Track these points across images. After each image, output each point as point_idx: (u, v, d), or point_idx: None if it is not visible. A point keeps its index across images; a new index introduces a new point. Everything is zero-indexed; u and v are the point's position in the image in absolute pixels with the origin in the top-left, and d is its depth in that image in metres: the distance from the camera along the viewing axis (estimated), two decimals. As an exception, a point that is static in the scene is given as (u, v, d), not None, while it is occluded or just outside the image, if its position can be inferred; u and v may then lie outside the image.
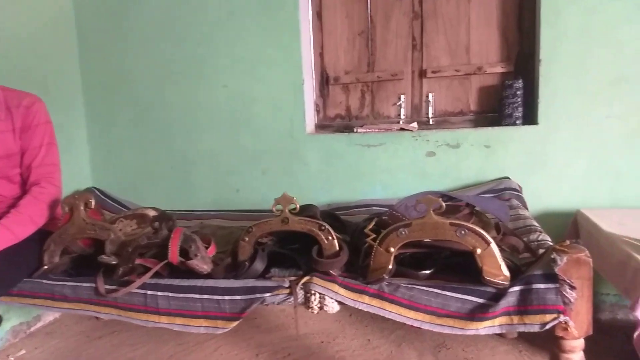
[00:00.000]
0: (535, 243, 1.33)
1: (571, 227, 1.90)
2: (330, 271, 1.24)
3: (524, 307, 1.09)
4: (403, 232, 1.21)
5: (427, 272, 1.25)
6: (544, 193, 2.00)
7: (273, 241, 1.39)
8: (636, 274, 1.34)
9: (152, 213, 1.57)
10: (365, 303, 1.18)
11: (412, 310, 1.16)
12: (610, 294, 1.97)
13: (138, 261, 1.36)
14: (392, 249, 1.22)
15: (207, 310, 1.28)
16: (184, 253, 1.33)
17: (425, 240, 1.20)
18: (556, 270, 1.07)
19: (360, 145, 2.18)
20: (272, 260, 1.35)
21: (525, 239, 1.39)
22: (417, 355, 1.86)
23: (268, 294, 1.23)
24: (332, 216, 1.56)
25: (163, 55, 2.37)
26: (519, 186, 1.95)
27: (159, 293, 1.31)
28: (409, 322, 1.15)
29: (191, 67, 2.34)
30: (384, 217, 1.33)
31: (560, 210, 1.99)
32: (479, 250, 1.14)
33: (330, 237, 1.27)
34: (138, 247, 1.37)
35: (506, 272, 1.13)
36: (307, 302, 1.22)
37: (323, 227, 1.27)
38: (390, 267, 1.22)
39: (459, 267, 1.23)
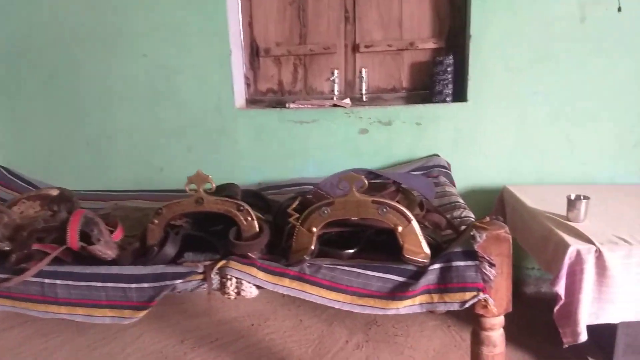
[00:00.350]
0: (458, 220, 1.32)
1: (497, 203, 1.92)
2: (249, 254, 1.16)
3: (444, 285, 1.07)
4: (325, 212, 1.15)
5: (351, 251, 1.20)
6: (472, 170, 2.01)
7: (189, 223, 1.29)
8: (557, 248, 1.36)
9: (54, 193, 1.41)
10: (285, 286, 1.12)
11: (334, 291, 1.11)
12: (534, 268, 2.03)
13: (35, 246, 1.22)
14: (314, 229, 1.16)
15: (112, 300, 1.17)
16: (86, 237, 1.20)
17: (349, 219, 1.15)
18: (475, 247, 1.05)
19: (292, 121, 2.09)
20: (187, 244, 1.25)
21: (448, 216, 1.37)
22: (348, 333, 1.84)
23: (179, 281, 1.14)
24: (257, 195, 1.47)
25: (73, 19, 2.15)
26: (448, 163, 1.95)
27: (58, 281, 1.18)
28: (330, 304, 1.10)
29: (105, 33, 2.14)
30: (308, 196, 1.26)
31: (487, 186, 2.01)
32: (400, 228, 1.11)
33: (249, 218, 1.19)
34: (34, 231, 1.23)
35: (427, 250, 1.10)
36: (223, 288, 1.14)
37: (242, 208, 1.18)
38: (313, 247, 1.16)
39: (383, 246, 1.19)
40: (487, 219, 1.09)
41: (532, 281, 2.06)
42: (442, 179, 1.81)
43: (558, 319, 1.33)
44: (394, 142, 2.04)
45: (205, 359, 1.72)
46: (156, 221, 1.21)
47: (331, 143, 2.08)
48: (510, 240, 1.06)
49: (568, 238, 1.34)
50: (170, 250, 1.20)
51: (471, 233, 1.06)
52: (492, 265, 1.04)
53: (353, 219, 1.14)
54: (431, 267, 1.08)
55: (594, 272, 1.29)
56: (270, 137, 2.11)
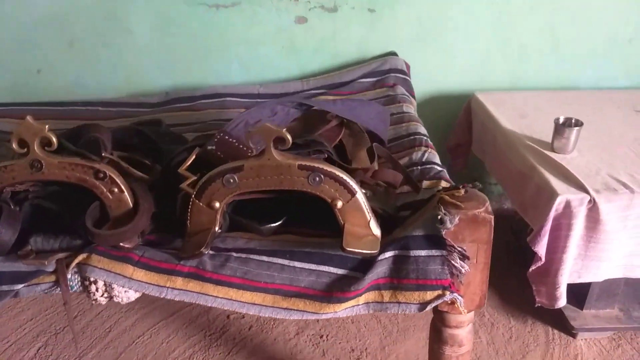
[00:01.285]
0: (418, 168, 0.98)
1: (463, 114, 1.58)
2: (121, 244, 0.80)
3: (397, 280, 0.77)
4: (232, 180, 0.77)
5: (274, 225, 0.86)
6: (435, 72, 1.63)
7: (39, 187, 0.88)
8: (539, 193, 1.08)
9: None
10: (178, 289, 0.78)
11: (248, 291, 0.79)
12: (498, 184, 1.78)
13: None
14: (217, 204, 0.79)
15: None
16: None
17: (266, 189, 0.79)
18: (443, 233, 0.74)
19: (205, 5, 1.57)
20: (35, 222, 0.86)
21: (406, 159, 1.03)
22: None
23: (20, 285, 0.78)
24: (139, 134, 1.04)
25: None
26: (407, 65, 1.55)
27: None
28: (244, 309, 0.78)
29: None
30: (209, 147, 0.87)
31: (453, 93, 1.65)
32: (339, 203, 0.76)
33: (115, 190, 0.80)
34: None
35: (376, 231, 0.78)
36: (86, 292, 0.79)
37: (102, 174, 0.78)
38: (217, 228, 0.81)
39: (318, 212, 0.85)
40: (462, 189, 0.75)
41: (495, 197, 1.83)
42: (400, 90, 1.42)
43: (533, 276, 1.09)
44: (340, 35, 1.59)
45: None
46: (-22, 193, 0.80)
47: (259, 36, 1.61)
48: (492, 222, 0.74)
49: (555, 182, 1.04)
50: (5, 234, 0.81)
51: (438, 214, 0.74)
52: (464, 257, 0.74)
53: (272, 187, 0.78)
54: (381, 257, 0.76)
55: (583, 227, 1.03)
56: (177, 28, 1.60)
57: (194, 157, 0.86)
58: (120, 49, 1.62)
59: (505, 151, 1.26)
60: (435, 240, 0.74)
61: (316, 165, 0.75)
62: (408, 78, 1.51)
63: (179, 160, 0.87)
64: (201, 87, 1.62)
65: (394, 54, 1.57)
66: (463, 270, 0.74)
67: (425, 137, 1.10)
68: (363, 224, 0.77)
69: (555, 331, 1.32)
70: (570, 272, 1.06)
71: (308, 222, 0.90)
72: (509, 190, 1.26)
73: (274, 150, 0.75)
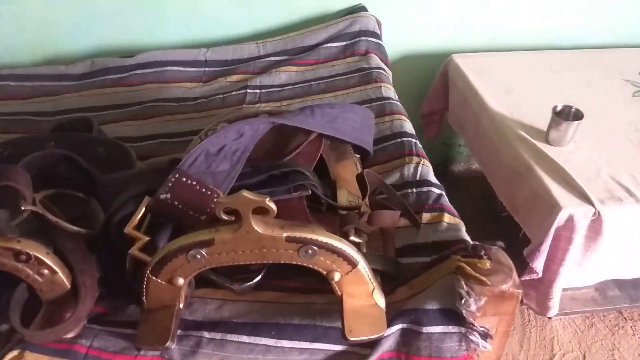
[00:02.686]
0: (414, 192, 0.83)
1: (439, 78, 1.42)
2: (63, 336, 0.62)
3: (406, 356, 0.66)
4: (198, 257, 0.60)
5: (250, 284, 0.71)
6: (408, 28, 1.43)
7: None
8: (537, 199, 0.98)
9: None
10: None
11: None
12: (462, 145, 1.68)
13: None
14: (180, 281, 0.63)
15: None
16: None
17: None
18: (464, 312, 0.62)
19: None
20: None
21: (397, 176, 0.88)
22: None
23: None
24: (65, 160, 0.79)
25: None
26: (379, 23, 1.34)
27: None
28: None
29: None
30: (161, 196, 0.67)
31: (428, 52, 1.47)
32: (336, 276, 0.62)
33: (46, 271, 0.60)
34: None
35: (380, 302, 0.65)
36: (23, 395, 0.63)
37: (24, 257, 0.59)
38: (181, 305, 0.66)
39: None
40: (486, 260, 0.63)
41: (463, 159, 1.74)
42: (374, 60, 1.23)
43: (525, 284, 1.03)
44: (299, -16, 1.33)
45: None
46: None
47: (201, -16, 1.32)
48: (520, 297, 0.63)
49: (557, 192, 0.94)
50: None
51: (459, 292, 0.61)
52: (487, 336, 0.63)
53: (253, 262, 0.62)
54: (388, 332, 0.64)
55: (583, 237, 0.95)
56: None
57: (142, 211, 0.67)
58: (25, 1, 1.28)
59: (494, 140, 1.14)
60: (453, 316, 0.63)
61: (308, 236, 0.59)
62: (381, 42, 1.31)
63: (124, 216, 0.67)
64: (133, 49, 1.33)
65: (363, 8, 1.35)
66: (484, 349, 0.64)
67: (414, 141, 0.94)
68: (365, 294, 0.64)
69: (531, 313, 1.31)
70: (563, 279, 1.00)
71: (290, 270, 0.76)
72: (495, 181, 1.16)
73: (254, 220, 0.58)
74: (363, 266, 0.63)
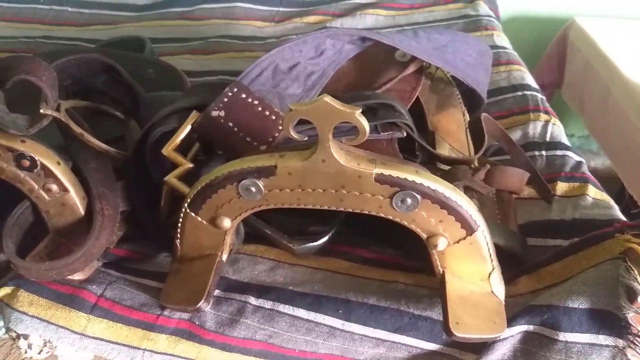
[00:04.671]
0: (543, 155, 0.62)
1: (555, 46, 1.18)
2: (65, 277, 0.48)
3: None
4: (253, 189, 0.43)
5: (314, 244, 0.53)
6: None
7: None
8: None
9: None
10: (160, 353, 0.47)
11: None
12: (575, 135, 1.42)
13: None
14: (226, 222, 0.46)
15: None
16: None
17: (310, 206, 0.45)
18: (628, 315, 0.42)
19: None
20: None
21: (518, 135, 0.67)
22: None
23: None
24: (107, 70, 0.64)
25: None
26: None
27: None
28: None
29: None
30: (213, 112, 0.51)
31: (541, 15, 1.23)
32: (441, 243, 0.43)
33: (54, 186, 0.46)
34: None
35: (499, 290, 0.46)
36: (14, 344, 0.49)
37: (28, 162, 0.44)
38: (225, 255, 0.49)
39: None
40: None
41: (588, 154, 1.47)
42: (483, 8, 1.01)
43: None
44: None
45: None
46: None
47: None
48: None
49: None
50: None
51: (626, 282, 0.41)
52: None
53: (326, 207, 0.44)
54: (505, 334, 0.45)
55: None
56: None
57: (188, 129, 0.51)
58: None
59: (629, 114, 0.90)
60: (609, 322, 0.43)
61: (410, 178, 0.40)
62: (490, -8, 1.09)
63: (164, 132, 0.52)
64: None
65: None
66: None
67: (540, 96, 0.72)
68: (478, 276, 0.45)
69: None
70: None
71: (366, 234, 0.58)
72: (626, 169, 0.92)
73: (335, 146, 0.40)
74: (484, 234, 0.43)
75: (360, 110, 0.38)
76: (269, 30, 1.06)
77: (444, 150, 0.61)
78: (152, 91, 0.69)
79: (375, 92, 0.59)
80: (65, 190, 0.46)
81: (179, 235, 0.49)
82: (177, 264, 0.51)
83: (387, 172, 0.40)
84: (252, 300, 0.49)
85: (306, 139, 0.41)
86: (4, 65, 0.53)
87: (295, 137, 0.41)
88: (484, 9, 1.01)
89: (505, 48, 0.86)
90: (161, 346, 0.47)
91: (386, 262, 0.55)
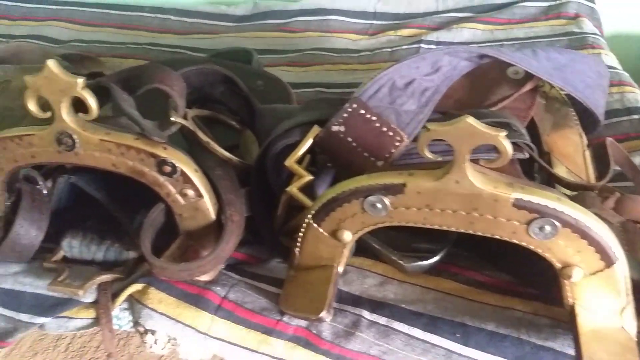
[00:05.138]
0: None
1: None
2: (195, 277, 0.50)
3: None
4: (379, 206, 0.44)
5: (426, 263, 0.53)
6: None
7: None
8: None
9: None
10: (277, 358, 0.49)
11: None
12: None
13: None
14: (346, 235, 0.47)
15: None
16: None
17: (437, 226, 0.45)
18: None
19: None
20: (74, 211, 0.59)
21: (638, 161, 0.64)
22: None
23: (44, 319, 0.52)
24: (225, 81, 0.68)
25: None
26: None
27: None
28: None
29: None
30: (334, 127, 0.52)
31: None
32: (577, 274, 0.42)
33: (191, 192, 0.48)
34: None
35: (631, 327, 0.43)
36: (140, 338, 0.52)
37: (169, 168, 0.47)
38: (341, 268, 0.50)
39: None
40: None
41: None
42: (587, 25, 0.97)
43: None
44: None
45: None
46: (-15, 171, 0.52)
47: None
48: None
49: None
50: (26, 236, 0.54)
51: None
52: None
53: (453, 229, 0.44)
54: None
55: None
56: None
57: (309, 142, 0.53)
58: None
59: None
60: None
61: (550, 205, 0.39)
62: (594, 6, 1.04)
63: (285, 146, 0.53)
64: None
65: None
66: None
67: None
68: (611, 310, 0.43)
69: None
70: None
71: (477, 255, 0.57)
72: None
73: (471, 168, 0.40)
74: (622, 267, 0.41)
75: (505, 133, 0.37)
76: (363, 43, 1.07)
77: (560, 173, 0.59)
78: (261, 102, 0.71)
79: (494, 111, 0.58)
80: (200, 195, 0.48)
81: (299, 244, 0.50)
82: (293, 272, 0.52)
83: (526, 197, 0.40)
84: (366, 314, 0.49)
85: (440, 159, 0.41)
86: (136, 74, 0.58)
87: (430, 157, 0.41)
88: (588, 26, 0.97)
89: (615, 68, 0.82)
90: (278, 351, 0.49)
91: (500, 287, 0.54)
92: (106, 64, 0.99)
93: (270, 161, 0.55)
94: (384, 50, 1.02)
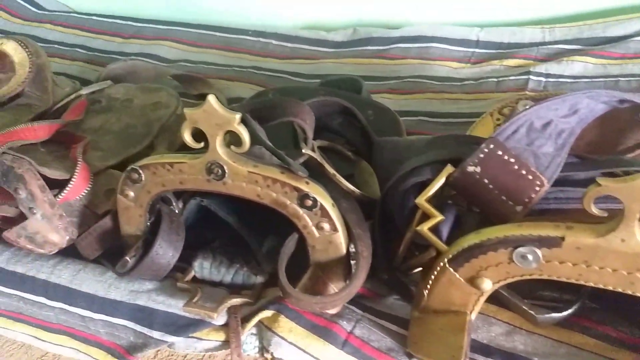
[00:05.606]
0: None
1: None
2: (325, 310, 0.51)
3: None
4: (530, 257, 0.43)
5: (567, 312, 0.51)
6: None
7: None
8: None
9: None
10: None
11: None
12: None
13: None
14: (486, 284, 0.46)
15: (68, 326, 0.62)
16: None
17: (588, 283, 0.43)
18: None
19: None
20: (203, 233, 0.61)
21: None
22: None
23: (175, 338, 0.54)
24: (343, 112, 0.69)
25: None
26: None
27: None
28: None
29: None
30: (469, 168, 0.52)
31: None
32: None
33: (326, 226, 0.49)
34: None
35: None
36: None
37: (310, 202, 0.48)
38: (474, 316, 0.49)
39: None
40: None
41: None
42: None
43: None
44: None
45: None
46: (131, 193, 0.55)
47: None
48: None
49: None
50: (164, 255, 0.57)
51: None
52: None
53: (610, 288, 0.42)
54: None
55: None
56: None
57: (442, 181, 0.52)
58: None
59: None
60: None
61: None
62: None
63: (414, 185, 0.53)
64: (393, 24, 1.23)
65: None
66: None
67: None
68: None
69: None
70: None
71: (611, 310, 0.54)
72: None
73: (639, 227, 0.38)
74: None
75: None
76: (465, 71, 1.06)
77: None
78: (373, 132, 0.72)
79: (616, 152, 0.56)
80: (335, 229, 0.49)
81: (429, 286, 0.50)
82: (418, 313, 0.51)
83: (702, 264, 0.37)
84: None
85: (606, 215, 0.40)
86: (269, 105, 0.60)
87: (596, 213, 0.39)
88: None
89: None
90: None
91: (634, 343, 0.50)
92: (214, 86, 1.04)
93: (398, 196, 0.55)
94: (489, 80, 1.00)
